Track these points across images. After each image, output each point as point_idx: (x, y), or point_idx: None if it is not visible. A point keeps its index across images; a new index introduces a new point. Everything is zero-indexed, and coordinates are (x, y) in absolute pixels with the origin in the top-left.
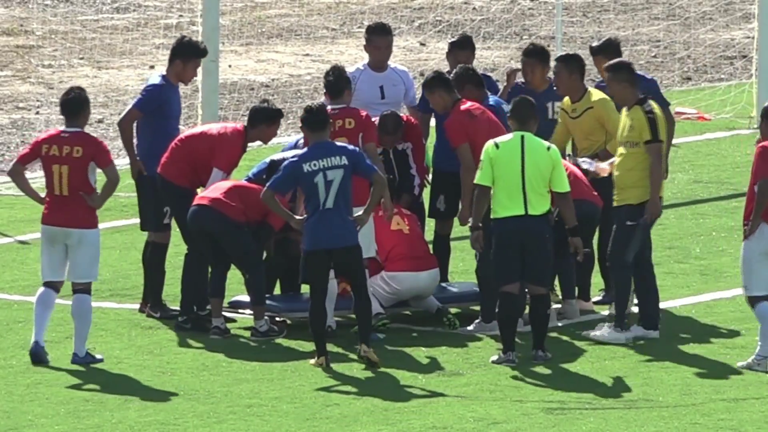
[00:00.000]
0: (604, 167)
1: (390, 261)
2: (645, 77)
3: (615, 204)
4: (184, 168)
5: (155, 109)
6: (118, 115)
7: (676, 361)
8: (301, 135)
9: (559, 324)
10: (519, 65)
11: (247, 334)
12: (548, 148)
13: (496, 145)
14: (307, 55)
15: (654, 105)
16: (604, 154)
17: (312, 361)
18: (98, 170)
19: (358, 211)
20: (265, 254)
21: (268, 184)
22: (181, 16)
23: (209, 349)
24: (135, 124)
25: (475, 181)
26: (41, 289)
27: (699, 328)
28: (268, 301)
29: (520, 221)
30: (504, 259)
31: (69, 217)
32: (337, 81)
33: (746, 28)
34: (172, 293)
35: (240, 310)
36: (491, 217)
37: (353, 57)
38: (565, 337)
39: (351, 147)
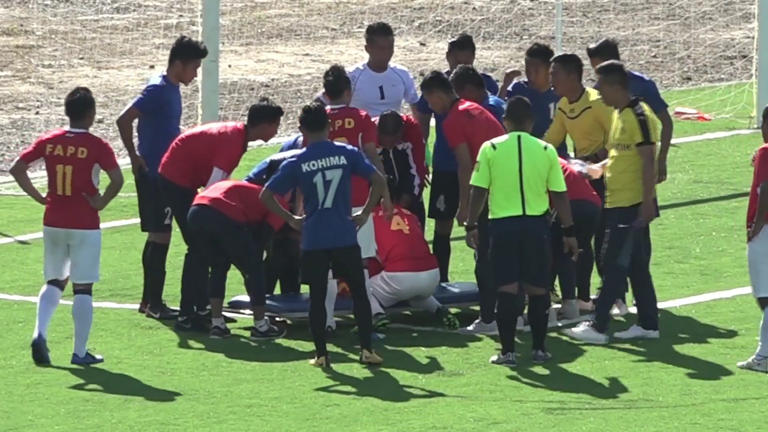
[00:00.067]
0: (595, 169)
1: (390, 261)
2: (643, 78)
3: (607, 206)
4: (184, 168)
5: (156, 110)
6: (118, 115)
7: (676, 361)
8: (300, 133)
9: (559, 324)
10: (517, 66)
11: (247, 334)
12: (545, 148)
13: (493, 146)
14: (307, 55)
15: (645, 107)
16: (603, 153)
17: (312, 361)
18: (101, 172)
19: (358, 211)
20: (265, 254)
21: (266, 185)
22: (181, 16)
23: (209, 349)
24: (136, 125)
25: (471, 183)
26: (45, 286)
27: (699, 328)
28: (268, 301)
29: (518, 221)
30: (502, 259)
31: (71, 217)
32: (336, 81)
33: (746, 28)
34: (172, 293)
35: (240, 310)
36: (489, 217)
37: (353, 57)
38: (565, 337)
39: (350, 147)
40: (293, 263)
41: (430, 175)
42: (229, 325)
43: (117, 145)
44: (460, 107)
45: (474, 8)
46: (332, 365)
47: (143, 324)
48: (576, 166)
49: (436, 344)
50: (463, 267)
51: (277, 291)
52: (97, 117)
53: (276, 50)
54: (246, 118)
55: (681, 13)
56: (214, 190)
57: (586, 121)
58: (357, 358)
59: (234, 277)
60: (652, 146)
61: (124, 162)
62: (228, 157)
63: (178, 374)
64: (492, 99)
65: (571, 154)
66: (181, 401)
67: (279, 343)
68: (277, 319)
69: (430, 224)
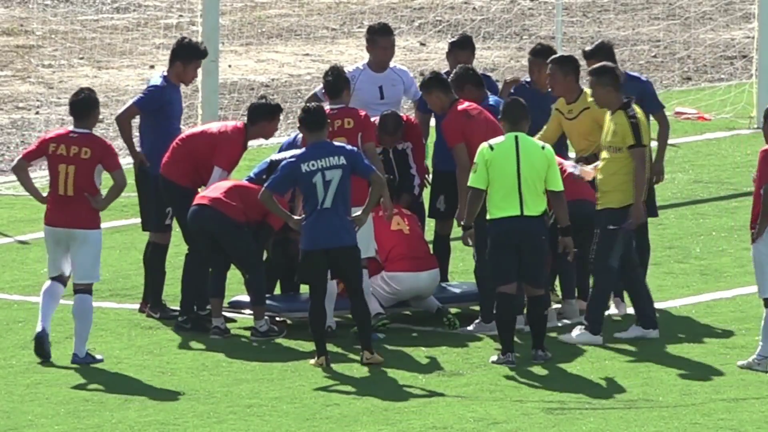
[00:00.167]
0: (588, 171)
1: (390, 261)
2: (640, 79)
3: (597, 207)
4: (185, 167)
5: (157, 110)
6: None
7: (676, 361)
8: (298, 133)
9: (559, 324)
10: (517, 66)
11: (247, 334)
12: (543, 148)
13: (491, 147)
14: (307, 55)
15: (637, 109)
16: None
17: (312, 361)
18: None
19: (357, 211)
20: (265, 254)
21: (266, 185)
22: (181, 16)
23: (209, 349)
24: (137, 126)
25: (469, 184)
26: (48, 282)
27: (699, 328)
28: (268, 301)
29: (516, 222)
30: (500, 259)
31: (72, 217)
32: (336, 81)
33: (746, 28)
34: (172, 293)
35: (240, 310)
36: (487, 218)
37: (353, 57)
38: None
39: (349, 147)
40: (293, 263)
41: (430, 175)
42: (229, 325)
43: (118, 144)
44: (459, 107)
45: (474, 8)
46: (332, 365)
47: (143, 324)
48: (569, 167)
49: (436, 344)
50: (463, 267)
51: (277, 291)
52: None
53: (276, 50)
54: (245, 118)
55: (681, 13)
56: (214, 190)
57: (585, 121)
58: (357, 358)
59: (234, 277)
60: (643, 149)
61: (124, 162)
62: (228, 156)
63: (178, 374)
64: (492, 99)
65: (572, 155)
66: (181, 401)
67: (279, 343)
68: (277, 319)
69: (430, 224)
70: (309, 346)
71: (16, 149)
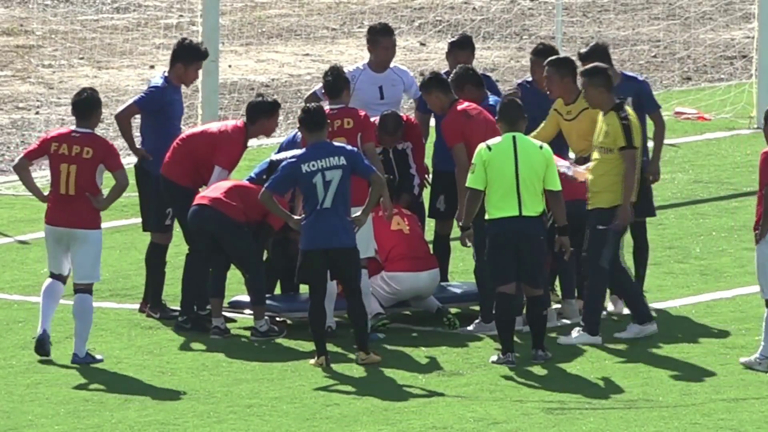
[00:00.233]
0: (580, 171)
1: (390, 261)
2: (637, 78)
3: (588, 207)
4: (186, 167)
5: (158, 111)
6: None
7: (676, 361)
8: (297, 130)
9: (559, 324)
10: (517, 66)
11: (247, 334)
12: (541, 147)
13: (489, 148)
14: (307, 55)
15: (629, 110)
16: None
17: (312, 361)
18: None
19: (357, 211)
20: (265, 254)
21: (266, 185)
22: (181, 16)
23: (209, 349)
24: (138, 127)
25: (467, 185)
26: (48, 280)
27: (699, 328)
28: (268, 301)
29: (514, 222)
30: (499, 259)
31: (73, 217)
32: (335, 81)
33: (746, 28)
34: (172, 293)
35: (240, 310)
36: (485, 218)
37: (353, 57)
38: None
39: (349, 147)
40: (293, 263)
41: (430, 175)
42: (229, 325)
43: (119, 144)
44: (459, 107)
45: (474, 8)
46: (332, 365)
47: (143, 324)
48: (562, 168)
49: (436, 344)
50: (463, 267)
51: (277, 291)
52: None
53: (276, 50)
54: (245, 117)
55: (681, 13)
56: (215, 190)
57: (584, 122)
58: (357, 359)
59: (234, 277)
60: (634, 151)
61: (126, 162)
62: (229, 155)
63: (178, 374)
64: (492, 99)
65: (572, 155)
66: (181, 401)
67: (279, 343)
68: (277, 319)
69: (430, 224)
70: (309, 346)
71: (17, 149)
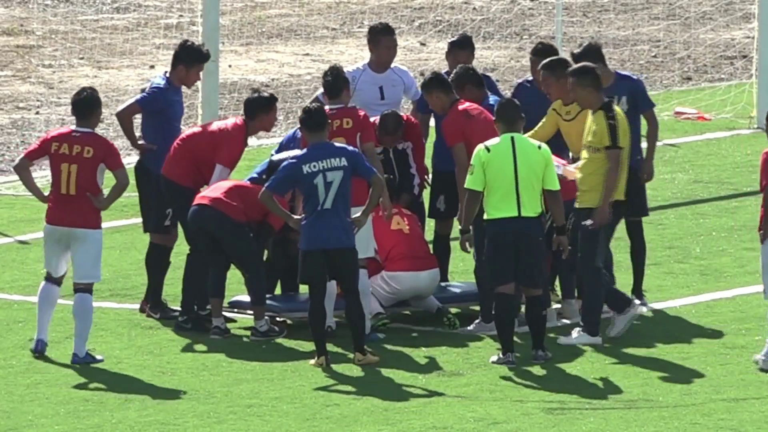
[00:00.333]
0: (571, 170)
1: (390, 261)
2: (631, 77)
3: (576, 206)
4: (187, 167)
5: (158, 111)
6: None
7: (676, 361)
8: (297, 127)
9: (559, 324)
10: (517, 66)
11: (247, 334)
12: (539, 147)
13: (487, 149)
14: (307, 55)
15: (618, 110)
16: None
17: (312, 361)
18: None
19: (357, 212)
20: (265, 254)
21: (266, 185)
22: (181, 16)
23: (209, 349)
24: (140, 127)
25: (466, 186)
26: (42, 283)
27: (699, 328)
28: (268, 301)
29: (513, 222)
30: (498, 260)
31: (74, 217)
32: (335, 81)
33: (746, 28)
34: (172, 293)
35: (240, 310)
36: (484, 218)
37: (353, 57)
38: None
39: (350, 148)
40: (293, 263)
41: (430, 176)
42: (229, 325)
43: (120, 144)
44: (460, 107)
45: (474, 8)
46: (332, 365)
47: (143, 324)
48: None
49: (436, 344)
50: (463, 267)
51: (278, 291)
52: None
53: (276, 50)
54: (243, 114)
55: (681, 13)
56: (215, 190)
57: (583, 122)
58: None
59: (234, 277)
60: (618, 151)
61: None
62: (230, 153)
63: (178, 374)
64: (492, 99)
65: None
66: (181, 401)
67: (279, 343)
68: (278, 319)
69: (430, 224)
70: (309, 346)
71: (17, 149)
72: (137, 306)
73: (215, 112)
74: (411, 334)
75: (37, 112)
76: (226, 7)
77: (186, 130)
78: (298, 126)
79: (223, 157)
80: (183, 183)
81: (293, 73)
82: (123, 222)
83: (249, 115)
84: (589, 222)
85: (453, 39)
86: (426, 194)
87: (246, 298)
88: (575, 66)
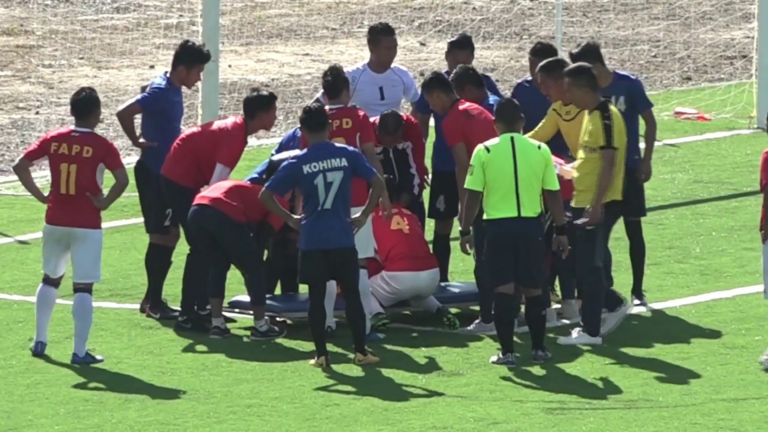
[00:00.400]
0: (567, 170)
1: (390, 261)
2: (629, 77)
3: (573, 205)
4: (188, 167)
5: (159, 112)
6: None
7: (676, 361)
8: (298, 126)
9: (559, 324)
10: (517, 66)
11: (247, 334)
12: (539, 147)
13: (487, 149)
14: (307, 54)
15: (614, 110)
16: None
17: (312, 361)
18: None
19: (357, 212)
20: (265, 254)
21: (266, 185)
22: (181, 16)
23: (209, 349)
24: (140, 128)
25: (466, 186)
26: (40, 285)
27: (699, 328)
28: (268, 301)
29: (513, 223)
30: (497, 260)
31: (73, 216)
32: (335, 81)
33: (746, 28)
34: (172, 293)
35: (240, 310)
36: (483, 218)
37: (353, 57)
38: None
39: (351, 148)
40: (293, 263)
41: (430, 176)
42: (229, 325)
43: (117, 144)
44: (460, 107)
45: (474, 8)
46: (332, 365)
47: (143, 324)
48: None
49: (436, 344)
50: (463, 267)
51: (278, 291)
52: None
53: (276, 50)
54: (244, 113)
55: (681, 13)
56: (215, 190)
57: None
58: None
59: (234, 277)
60: (613, 151)
61: (126, 162)
62: (230, 152)
63: (178, 374)
64: (492, 99)
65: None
66: (181, 401)
67: (279, 343)
68: (278, 319)
69: (430, 224)
70: (309, 346)
71: (17, 149)
72: (137, 306)
73: (215, 112)
74: (411, 334)
75: (37, 112)
76: (226, 7)
77: (186, 130)
78: (299, 125)
79: (224, 156)
80: (183, 183)
81: (293, 73)
82: (123, 222)
83: (249, 113)
84: (580, 221)
85: (452, 39)
86: (426, 194)
87: (246, 298)
88: (571, 66)
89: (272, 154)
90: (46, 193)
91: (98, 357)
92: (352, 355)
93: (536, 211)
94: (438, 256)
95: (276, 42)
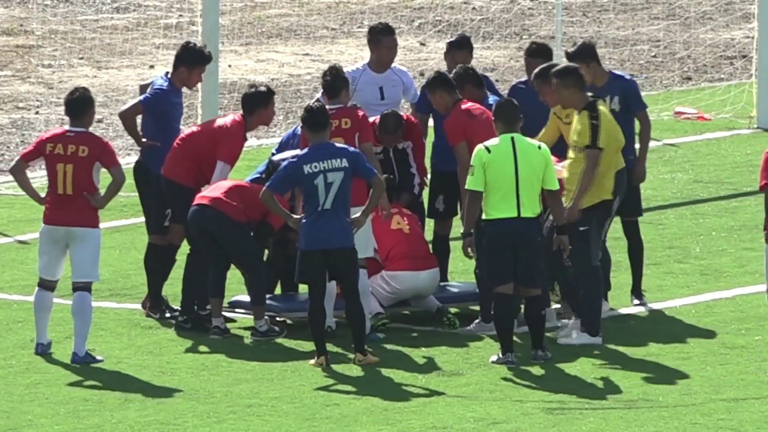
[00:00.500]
0: (558, 169)
1: (390, 260)
2: (624, 77)
3: (565, 205)
4: (189, 166)
5: (161, 113)
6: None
7: (676, 361)
8: (298, 124)
9: (559, 324)
10: (517, 66)
11: (247, 334)
12: (539, 147)
13: (487, 149)
14: (307, 54)
15: (603, 110)
16: None
17: (312, 361)
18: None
19: (357, 212)
20: (265, 254)
21: (267, 184)
22: (181, 16)
23: (209, 349)
24: (141, 128)
25: (467, 187)
26: (36, 290)
27: (699, 328)
28: (268, 301)
29: (512, 223)
30: (497, 260)
31: (71, 216)
32: (334, 81)
33: (746, 28)
34: (172, 293)
35: (240, 310)
36: (483, 218)
37: (353, 57)
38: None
39: (351, 149)
40: (293, 263)
41: (429, 176)
42: (229, 325)
43: (117, 144)
44: (463, 107)
45: (474, 8)
46: (332, 365)
47: (143, 324)
48: None
49: (436, 344)
50: (463, 267)
51: (278, 291)
52: (97, 117)
53: (276, 50)
54: (242, 110)
55: (681, 13)
56: (215, 189)
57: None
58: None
59: (234, 277)
60: (597, 151)
61: (123, 162)
62: (231, 149)
63: (178, 374)
64: (492, 99)
65: None
66: (181, 401)
67: (279, 343)
68: (278, 319)
69: (429, 224)
70: (309, 346)
71: (16, 149)
72: (137, 306)
73: (215, 112)
74: (411, 334)
75: (37, 112)
76: (226, 7)
77: (185, 130)
78: (299, 124)
79: (224, 153)
80: (184, 183)
81: (293, 73)
82: (123, 222)
83: (247, 110)
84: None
85: (451, 39)
86: (426, 194)
87: (246, 298)
88: (558, 67)
89: (272, 154)
90: (43, 194)
91: (98, 357)
92: (352, 355)
93: (535, 212)
94: (438, 256)
95: (276, 42)
